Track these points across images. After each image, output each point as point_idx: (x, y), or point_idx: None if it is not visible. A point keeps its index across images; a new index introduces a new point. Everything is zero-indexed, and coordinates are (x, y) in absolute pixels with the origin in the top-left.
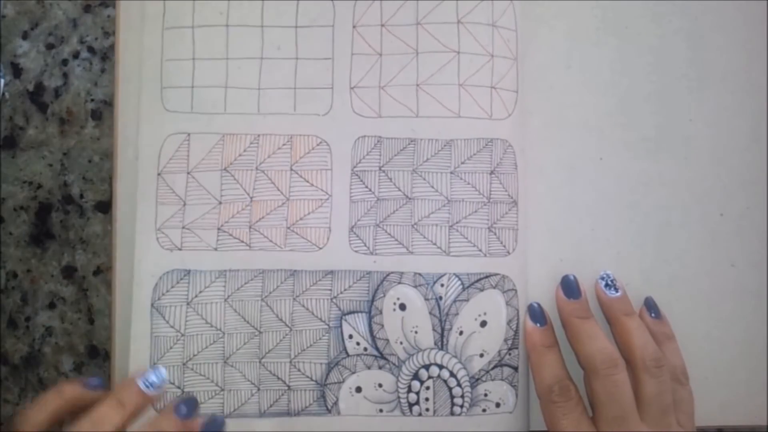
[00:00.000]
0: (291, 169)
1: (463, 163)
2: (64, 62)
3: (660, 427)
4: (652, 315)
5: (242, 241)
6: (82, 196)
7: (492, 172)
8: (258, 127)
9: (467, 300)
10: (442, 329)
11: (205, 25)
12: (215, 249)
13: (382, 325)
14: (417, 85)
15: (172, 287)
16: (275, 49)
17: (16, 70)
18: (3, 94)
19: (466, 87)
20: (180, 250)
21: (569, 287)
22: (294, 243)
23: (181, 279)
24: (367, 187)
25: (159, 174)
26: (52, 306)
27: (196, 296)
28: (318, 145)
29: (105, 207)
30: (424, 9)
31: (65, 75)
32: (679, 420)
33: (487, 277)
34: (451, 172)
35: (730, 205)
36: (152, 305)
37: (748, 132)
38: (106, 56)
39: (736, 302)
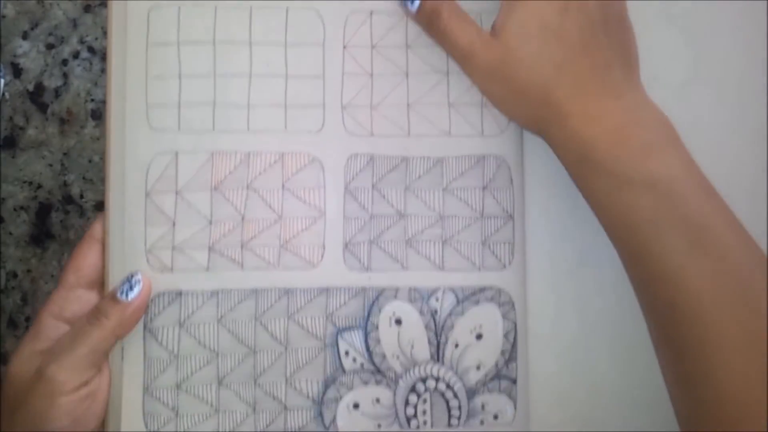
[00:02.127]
0: (283, 187)
1: (455, 179)
2: (64, 62)
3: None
4: None
5: (234, 261)
6: (82, 196)
7: (485, 188)
8: (248, 145)
9: (462, 313)
10: (438, 343)
11: (192, 41)
12: (207, 269)
13: (379, 341)
14: (408, 105)
15: (164, 309)
16: (264, 66)
17: (16, 70)
18: (3, 94)
19: (456, 106)
20: (171, 271)
21: None
22: (287, 261)
23: (173, 300)
24: (360, 204)
25: (147, 194)
26: None
27: (188, 317)
28: (310, 162)
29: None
30: (414, 32)
31: (65, 75)
32: None
33: (482, 290)
34: (444, 189)
35: None
36: (145, 327)
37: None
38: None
39: None
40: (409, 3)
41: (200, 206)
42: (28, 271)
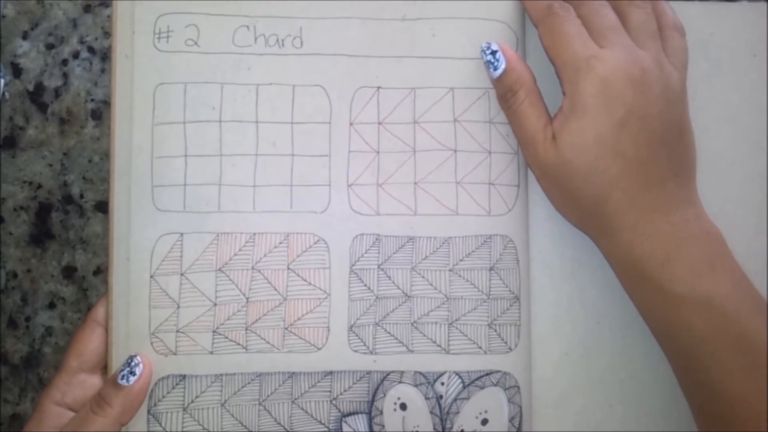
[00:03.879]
0: (288, 268)
1: (461, 260)
2: (64, 62)
3: (648, 49)
4: None
5: (238, 344)
6: (82, 196)
7: (491, 269)
8: (253, 226)
9: (468, 398)
10: (443, 428)
11: (197, 121)
12: (211, 352)
13: (383, 426)
14: (415, 183)
15: (168, 393)
16: (270, 146)
17: (16, 70)
18: (3, 94)
19: (464, 185)
20: (175, 354)
21: None
22: (292, 344)
23: (177, 384)
24: (366, 285)
25: (152, 276)
26: (52, 306)
27: (192, 402)
28: (315, 243)
29: (105, 207)
30: (421, 108)
31: (65, 75)
32: (673, 63)
33: (487, 374)
34: (450, 270)
35: None
36: (148, 412)
37: (752, 223)
38: (106, 56)
39: None
40: (492, 66)
41: (205, 288)
42: (28, 271)
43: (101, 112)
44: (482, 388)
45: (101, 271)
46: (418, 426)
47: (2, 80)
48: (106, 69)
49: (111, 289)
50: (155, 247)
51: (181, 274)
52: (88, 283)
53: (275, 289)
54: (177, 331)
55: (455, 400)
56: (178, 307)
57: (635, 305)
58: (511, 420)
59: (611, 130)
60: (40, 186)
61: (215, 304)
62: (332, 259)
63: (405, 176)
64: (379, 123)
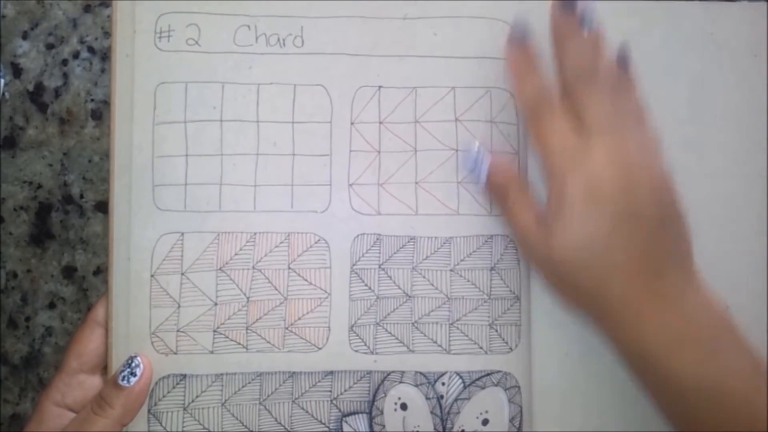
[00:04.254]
0: (289, 268)
1: (462, 260)
2: (64, 62)
3: (630, 134)
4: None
5: (239, 343)
6: (82, 196)
7: (492, 269)
8: (254, 225)
9: (468, 398)
10: (444, 428)
11: (198, 120)
12: (211, 352)
13: (384, 426)
14: (416, 183)
15: (168, 392)
16: (271, 145)
17: (16, 70)
18: (3, 94)
19: (465, 184)
20: (175, 354)
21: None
22: (292, 343)
23: (177, 384)
24: (366, 285)
25: (152, 276)
26: (52, 306)
27: (192, 401)
28: (316, 242)
29: (105, 207)
30: (422, 107)
31: (65, 75)
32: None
33: (488, 374)
34: (451, 270)
35: (736, 297)
36: (149, 411)
37: (752, 222)
38: (106, 56)
39: None
40: (475, 177)
41: (205, 288)
42: (28, 271)
43: (101, 112)
44: (483, 388)
45: (101, 271)
46: (418, 426)
47: (2, 80)
48: (106, 69)
49: (111, 289)
50: (156, 247)
51: (182, 274)
52: (88, 283)
53: (276, 289)
54: (177, 331)
55: (456, 400)
56: (179, 306)
57: (641, 388)
58: (511, 420)
59: (603, 232)
60: (40, 186)
61: (216, 304)
62: (333, 258)
63: (406, 176)
64: (380, 122)
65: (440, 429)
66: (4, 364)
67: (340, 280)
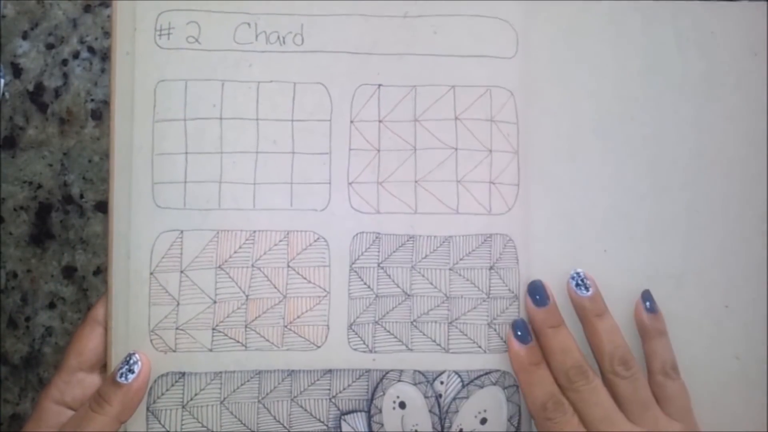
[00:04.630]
0: (288, 266)
1: (461, 259)
2: (64, 62)
3: (644, 421)
4: (647, 305)
5: (238, 341)
6: (82, 196)
7: (491, 268)
8: (254, 223)
9: (467, 397)
10: (442, 427)
11: (198, 118)
12: (210, 350)
13: (382, 424)
14: (415, 182)
15: (167, 390)
16: (271, 143)
17: (16, 70)
18: (3, 94)
19: (464, 183)
20: (174, 351)
21: (537, 293)
22: (291, 342)
23: (176, 382)
24: (365, 283)
25: (151, 273)
26: (52, 306)
27: (191, 399)
28: (315, 241)
29: (105, 207)
30: (422, 106)
31: (65, 75)
32: (671, 414)
33: (487, 373)
34: (450, 269)
35: (735, 297)
36: (148, 409)
37: (752, 222)
38: (106, 56)
39: (740, 395)
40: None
41: (205, 285)
42: (28, 271)
43: (101, 112)
44: (481, 387)
45: (101, 271)
46: (417, 425)
47: (2, 80)
48: (106, 69)
49: (111, 287)
50: (155, 245)
51: (181, 272)
52: (88, 283)
53: (275, 287)
54: (176, 329)
55: (454, 399)
56: (178, 304)
57: None
58: (509, 419)
59: None
60: (40, 186)
61: (215, 302)
62: (332, 257)
63: (405, 174)
64: (380, 121)
65: (439, 428)
66: (4, 364)
67: (339, 279)
